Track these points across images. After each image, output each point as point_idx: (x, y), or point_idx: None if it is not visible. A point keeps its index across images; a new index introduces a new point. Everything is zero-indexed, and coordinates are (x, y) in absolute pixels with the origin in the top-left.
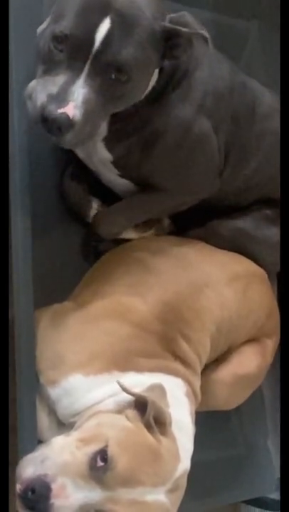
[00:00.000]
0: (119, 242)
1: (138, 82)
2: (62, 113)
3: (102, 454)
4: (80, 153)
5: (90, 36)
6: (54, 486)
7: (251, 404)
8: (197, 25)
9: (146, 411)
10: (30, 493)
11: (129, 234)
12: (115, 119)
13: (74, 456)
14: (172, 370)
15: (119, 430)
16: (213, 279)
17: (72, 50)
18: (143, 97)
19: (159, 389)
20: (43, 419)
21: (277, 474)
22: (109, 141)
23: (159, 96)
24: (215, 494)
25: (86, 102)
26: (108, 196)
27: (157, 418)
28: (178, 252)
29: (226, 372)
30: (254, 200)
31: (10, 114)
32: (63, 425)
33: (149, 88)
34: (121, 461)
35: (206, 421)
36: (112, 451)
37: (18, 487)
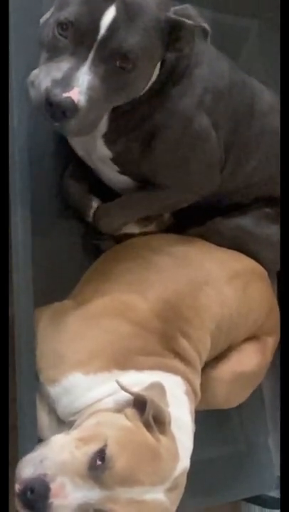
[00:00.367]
0: (121, 241)
1: (142, 71)
2: (67, 97)
3: (101, 454)
4: (80, 150)
5: (96, 23)
6: (53, 486)
7: (251, 402)
8: (199, 18)
9: (146, 410)
10: (29, 492)
11: (130, 228)
12: (115, 116)
13: (73, 455)
14: (172, 368)
15: (118, 429)
16: (213, 277)
17: (76, 37)
18: (144, 91)
19: (159, 388)
20: (43, 418)
21: (278, 472)
22: (109, 138)
23: (159, 92)
24: (215, 492)
25: (91, 88)
26: (108, 195)
27: (156, 417)
28: (178, 250)
29: (225, 370)
30: (254, 198)
31: (10, 113)
32: (63, 424)
33: (150, 83)
34: (119, 460)
35: (207, 419)
36: (110, 450)
37: (17, 487)
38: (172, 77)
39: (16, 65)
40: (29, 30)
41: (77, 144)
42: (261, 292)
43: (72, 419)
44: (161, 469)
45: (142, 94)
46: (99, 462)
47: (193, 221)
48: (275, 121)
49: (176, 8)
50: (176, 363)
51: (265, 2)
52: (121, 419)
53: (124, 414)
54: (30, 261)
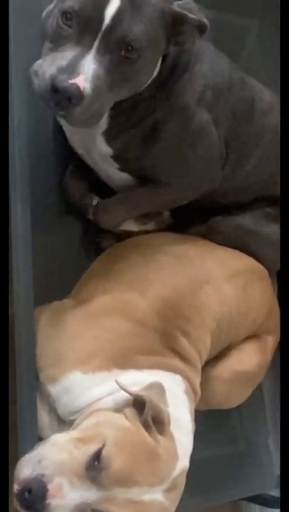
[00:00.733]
0: (121, 239)
1: (147, 62)
2: (73, 83)
3: (99, 454)
4: (79, 149)
5: (100, 12)
6: (50, 486)
7: (252, 402)
8: (200, 13)
9: (144, 411)
10: (27, 493)
11: (130, 226)
12: (115, 113)
13: (72, 455)
14: (172, 367)
15: (116, 430)
16: (214, 276)
17: (81, 26)
18: (145, 87)
19: (158, 387)
20: (44, 417)
21: (278, 472)
22: (110, 135)
23: (159, 88)
24: (215, 492)
25: (96, 77)
26: (108, 195)
27: (155, 417)
28: (178, 248)
29: (224, 369)
30: (255, 197)
31: (10, 113)
32: (64, 423)
33: (152, 79)
34: (117, 461)
35: (207, 419)
36: (107, 451)
37: (16, 487)
38: (173, 73)
39: (16, 64)
40: (29, 30)
41: (77, 142)
42: (261, 291)
43: (72, 418)
44: (159, 470)
45: (143, 89)
46: (96, 463)
47: (194, 220)
48: (275, 119)
49: (179, 2)
50: (176, 362)
51: (265, 2)
52: (120, 420)
53: (123, 414)
54: (31, 260)
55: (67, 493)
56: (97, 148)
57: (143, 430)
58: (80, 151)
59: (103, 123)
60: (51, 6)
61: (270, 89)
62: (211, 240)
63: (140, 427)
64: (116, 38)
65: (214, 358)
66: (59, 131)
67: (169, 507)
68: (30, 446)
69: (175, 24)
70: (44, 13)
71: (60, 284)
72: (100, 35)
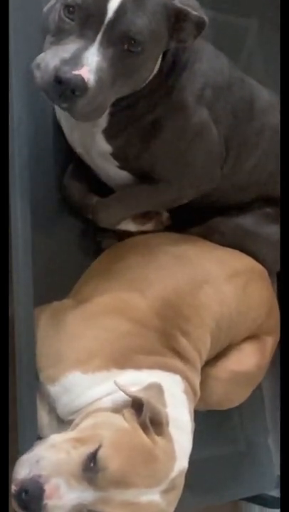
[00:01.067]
0: (122, 239)
1: (149, 56)
2: (77, 74)
3: (95, 456)
4: (78, 147)
5: (103, 5)
6: (47, 487)
7: (251, 402)
8: (201, 10)
9: (142, 412)
10: (23, 494)
11: (128, 225)
12: (115, 111)
13: (69, 455)
14: (171, 367)
15: (114, 431)
16: (213, 276)
17: (83, 19)
18: (146, 83)
19: (157, 388)
20: (44, 417)
21: (277, 472)
22: (110, 133)
23: (159, 86)
24: (215, 492)
25: (99, 69)
26: (108, 195)
27: (153, 419)
28: (178, 248)
29: (223, 369)
30: (255, 197)
31: (10, 113)
32: (63, 422)
33: (152, 76)
34: (113, 462)
35: (207, 419)
36: (104, 452)
37: (13, 488)
38: (173, 70)
39: (16, 64)
40: (29, 30)
41: (76, 141)
42: (261, 291)
43: (71, 418)
44: (156, 471)
45: (143, 86)
46: (92, 464)
47: (194, 220)
48: (274, 118)
49: None
50: (176, 362)
51: (265, 2)
52: (118, 420)
53: (122, 415)
54: (31, 260)
55: (64, 493)
56: (96, 147)
57: (141, 431)
58: (79, 149)
59: (103, 121)
60: (53, 1)
61: (270, 89)
62: (211, 241)
63: (138, 428)
64: (119, 31)
65: (213, 357)
66: (59, 131)
67: (166, 508)
68: (30, 446)
69: (177, 20)
70: (45, 9)
71: (60, 284)
72: (102, 29)
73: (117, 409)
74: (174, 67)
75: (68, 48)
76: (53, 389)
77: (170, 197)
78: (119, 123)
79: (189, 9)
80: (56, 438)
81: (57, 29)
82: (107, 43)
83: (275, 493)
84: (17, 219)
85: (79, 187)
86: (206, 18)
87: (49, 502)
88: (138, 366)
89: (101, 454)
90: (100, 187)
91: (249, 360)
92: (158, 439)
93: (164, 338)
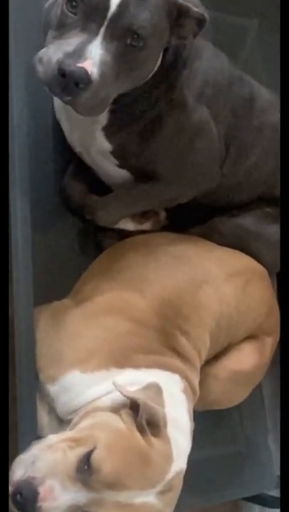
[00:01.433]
0: (123, 239)
1: (152, 51)
2: (81, 67)
3: (89, 457)
4: (78, 146)
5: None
6: (41, 489)
7: (251, 402)
8: (202, 7)
9: (139, 414)
10: (18, 496)
11: (127, 225)
12: (116, 108)
13: (65, 456)
14: (170, 366)
15: (109, 433)
16: (213, 275)
17: (86, 13)
18: (147, 80)
19: (155, 388)
20: (44, 417)
21: (277, 472)
22: (109, 130)
23: (159, 83)
24: (215, 491)
25: (103, 63)
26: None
27: (150, 420)
28: (178, 248)
29: (221, 368)
30: (255, 197)
31: (10, 113)
32: (63, 422)
33: (153, 72)
34: (106, 465)
35: (207, 419)
36: (98, 454)
37: (10, 489)
38: (173, 68)
39: (16, 65)
40: (29, 30)
41: (76, 140)
42: (261, 291)
43: (70, 417)
44: (150, 474)
45: (144, 83)
46: (86, 466)
47: (194, 220)
48: (274, 117)
49: None
50: (175, 361)
51: (265, 2)
52: (115, 421)
53: (120, 415)
54: (31, 260)
55: (58, 495)
56: (96, 145)
57: (137, 433)
58: (78, 149)
59: (103, 118)
60: None
61: (270, 89)
62: (211, 241)
63: (134, 429)
64: (122, 25)
65: (213, 357)
66: (59, 131)
67: (163, 509)
68: (30, 446)
69: (179, 16)
70: (47, 4)
71: (60, 284)
72: (105, 23)
73: (116, 409)
74: (174, 65)
75: (71, 42)
76: (53, 388)
77: (169, 196)
78: (119, 120)
79: (190, 5)
80: (53, 438)
81: (59, 23)
82: (110, 37)
83: (275, 493)
84: (17, 219)
85: (79, 187)
86: (206, 15)
87: (43, 504)
88: (137, 365)
89: (95, 456)
90: (100, 187)
91: (248, 359)
92: (154, 440)
93: (163, 338)
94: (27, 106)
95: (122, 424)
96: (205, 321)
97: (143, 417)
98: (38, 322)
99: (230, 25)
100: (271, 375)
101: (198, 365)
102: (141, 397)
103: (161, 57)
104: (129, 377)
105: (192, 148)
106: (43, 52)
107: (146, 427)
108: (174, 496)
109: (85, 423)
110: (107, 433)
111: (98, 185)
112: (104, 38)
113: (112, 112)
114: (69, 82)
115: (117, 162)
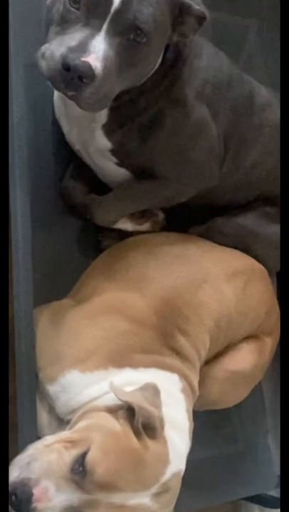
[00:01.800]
0: (122, 239)
1: (154, 46)
2: (85, 61)
3: (82, 459)
4: (77, 144)
5: None
6: (36, 491)
7: (251, 402)
8: (202, 5)
9: (135, 417)
10: (13, 497)
11: (125, 225)
12: (115, 106)
13: (60, 456)
14: (169, 366)
15: (104, 434)
16: (212, 275)
17: (89, 8)
18: (147, 77)
19: (152, 388)
20: (43, 417)
21: (277, 471)
22: (109, 128)
23: (160, 81)
24: (215, 491)
25: (106, 58)
26: None
27: (146, 423)
28: (177, 248)
29: (219, 368)
30: (255, 197)
31: (10, 112)
32: (63, 422)
33: (154, 70)
34: (100, 466)
35: (207, 418)
36: (92, 456)
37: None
38: (173, 66)
39: (16, 65)
40: (29, 30)
41: (75, 138)
42: (261, 291)
43: (70, 417)
44: (144, 476)
45: (144, 81)
46: (80, 468)
47: (194, 220)
48: (273, 115)
49: None
50: (174, 361)
51: (265, 2)
52: (111, 423)
53: (117, 416)
54: (31, 260)
55: (53, 496)
56: (96, 143)
57: (132, 435)
58: (77, 147)
59: (103, 116)
60: None
61: (270, 89)
62: (211, 240)
63: (129, 431)
64: (125, 20)
65: (212, 357)
66: (59, 130)
67: (158, 510)
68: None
69: (180, 13)
70: (48, 1)
71: (60, 284)
72: (108, 18)
73: (113, 409)
74: (175, 63)
75: (75, 37)
76: (52, 388)
77: (168, 194)
78: (119, 118)
79: (192, 3)
80: (50, 438)
81: (62, 19)
82: (114, 32)
83: (275, 493)
84: (17, 219)
85: (79, 187)
86: (207, 13)
87: (38, 505)
88: (136, 365)
89: (89, 457)
90: (100, 187)
91: (245, 359)
92: (150, 443)
93: (162, 337)
94: (27, 106)
95: (117, 425)
96: (204, 320)
97: (139, 420)
98: (38, 322)
99: (231, 25)
100: (271, 375)
101: (198, 365)
102: (137, 400)
103: (162, 55)
104: (127, 377)
105: (191, 146)
106: (45, 48)
107: (142, 430)
108: (171, 497)
109: (82, 424)
110: (102, 434)
111: (98, 185)
112: (108, 33)
113: (112, 109)
114: (73, 76)
115: (116, 160)
